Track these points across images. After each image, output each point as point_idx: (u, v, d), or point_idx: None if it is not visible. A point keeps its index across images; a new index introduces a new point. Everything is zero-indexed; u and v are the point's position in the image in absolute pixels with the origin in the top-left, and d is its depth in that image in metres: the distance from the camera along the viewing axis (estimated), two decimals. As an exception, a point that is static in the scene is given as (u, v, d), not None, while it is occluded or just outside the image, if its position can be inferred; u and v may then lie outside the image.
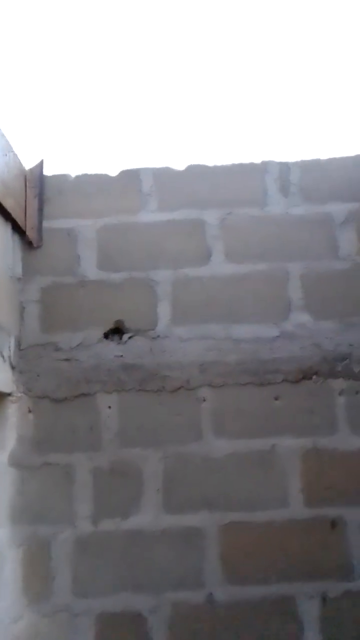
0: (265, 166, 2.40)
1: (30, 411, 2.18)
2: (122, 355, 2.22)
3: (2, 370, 2.05)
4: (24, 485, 2.12)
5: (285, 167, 2.39)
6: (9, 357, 2.13)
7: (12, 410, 2.18)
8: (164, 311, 2.26)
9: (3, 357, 2.06)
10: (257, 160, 2.40)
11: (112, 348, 2.23)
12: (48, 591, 2.05)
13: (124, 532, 2.09)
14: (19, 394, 2.18)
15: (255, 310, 2.26)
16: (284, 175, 2.38)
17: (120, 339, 2.24)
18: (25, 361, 2.22)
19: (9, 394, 2.16)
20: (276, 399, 2.19)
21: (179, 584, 2.06)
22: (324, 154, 2.40)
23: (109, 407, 2.18)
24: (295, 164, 2.40)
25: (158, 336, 2.23)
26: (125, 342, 2.23)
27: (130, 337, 2.24)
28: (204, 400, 2.18)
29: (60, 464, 2.14)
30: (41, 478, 2.13)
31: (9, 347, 2.13)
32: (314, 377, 2.20)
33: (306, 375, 2.20)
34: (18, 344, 2.22)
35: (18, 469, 2.13)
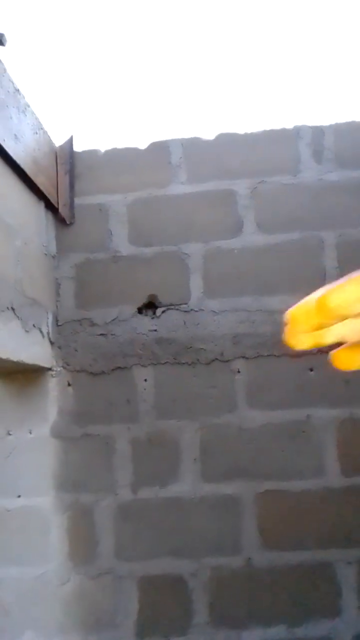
0: (297, 131, 2.32)
1: (69, 385, 2.25)
2: (156, 330, 2.24)
3: (42, 346, 2.12)
4: (66, 456, 2.20)
5: (318, 132, 2.31)
6: (48, 333, 2.18)
7: (53, 384, 2.25)
8: (196, 284, 2.26)
9: (42, 333, 2.12)
10: (289, 125, 2.33)
11: (146, 322, 2.25)
12: (93, 555, 2.15)
13: (163, 499, 2.16)
14: (59, 369, 2.25)
15: (288, 281, 2.23)
16: (318, 140, 2.30)
17: (154, 313, 2.26)
18: (62, 337, 2.27)
19: (49, 369, 2.23)
20: (311, 370, 2.18)
21: (217, 549, 2.12)
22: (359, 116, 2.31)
23: (145, 380, 2.22)
24: (330, 127, 2.30)
25: (191, 309, 2.24)
26: (159, 316, 2.25)
27: (163, 311, 2.25)
28: (238, 371, 2.20)
29: (100, 435, 2.21)
30: (82, 448, 2.20)
31: (47, 323, 2.19)
32: (350, 347, 2.17)
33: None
34: (55, 320, 2.28)
35: (60, 440, 2.21)
